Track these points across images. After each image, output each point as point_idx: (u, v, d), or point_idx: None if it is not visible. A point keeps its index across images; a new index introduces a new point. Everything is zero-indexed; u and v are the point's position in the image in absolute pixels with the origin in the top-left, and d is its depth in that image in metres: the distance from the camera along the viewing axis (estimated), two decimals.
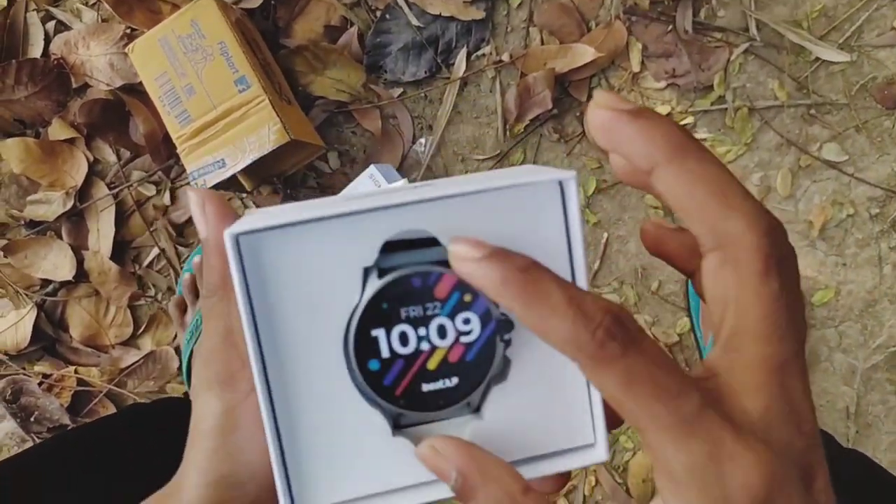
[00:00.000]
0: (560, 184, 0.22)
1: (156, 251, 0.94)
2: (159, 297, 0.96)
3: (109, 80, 0.85)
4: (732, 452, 0.18)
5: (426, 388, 0.23)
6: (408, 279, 0.22)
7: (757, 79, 0.86)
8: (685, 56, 0.84)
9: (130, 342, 0.97)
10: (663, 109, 0.86)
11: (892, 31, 0.84)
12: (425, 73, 0.86)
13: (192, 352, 0.89)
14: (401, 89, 0.88)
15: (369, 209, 0.22)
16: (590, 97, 0.87)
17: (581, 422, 0.24)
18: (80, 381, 0.95)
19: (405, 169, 0.90)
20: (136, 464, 0.62)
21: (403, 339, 0.22)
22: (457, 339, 0.23)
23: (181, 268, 0.94)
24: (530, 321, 0.18)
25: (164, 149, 0.88)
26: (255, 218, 0.22)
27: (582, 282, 0.22)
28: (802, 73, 0.85)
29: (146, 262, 0.94)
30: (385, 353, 0.22)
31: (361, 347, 0.22)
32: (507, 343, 0.23)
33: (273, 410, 0.22)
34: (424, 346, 0.22)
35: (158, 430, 0.70)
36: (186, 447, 0.26)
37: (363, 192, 0.27)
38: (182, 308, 0.91)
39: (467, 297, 0.23)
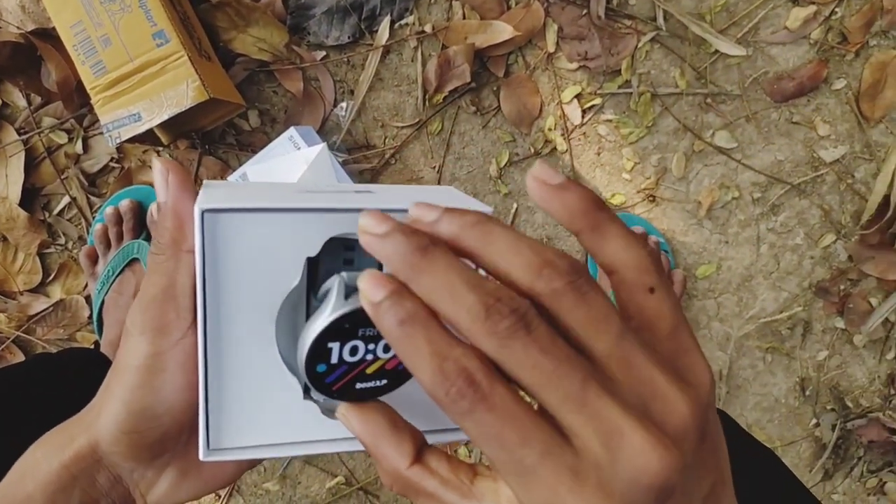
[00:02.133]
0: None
1: (67, 199, 0.92)
2: (70, 245, 0.95)
3: (20, 22, 0.82)
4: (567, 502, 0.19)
5: (359, 385, 0.26)
6: None
7: (661, 66, 0.91)
8: (597, 40, 0.89)
9: (39, 290, 0.96)
10: (574, 90, 0.91)
11: (784, 30, 0.91)
12: (348, 38, 0.88)
13: (102, 301, 0.89)
14: (324, 52, 0.89)
15: (319, 209, 0.25)
16: (507, 73, 0.91)
17: None
18: None
19: (325, 132, 0.91)
20: (39, 415, 0.63)
21: (353, 351, 0.26)
22: None
23: (93, 217, 0.93)
24: (404, 361, 0.20)
25: (77, 96, 0.86)
26: (217, 194, 0.25)
27: None
28: (702, 64, 0.91)
29: (56, 210, 0.93)
30: (334, 360, 0.26)
31: (315, 354, 0.25)
32: None
33: (206, 361, 0.26)
34: (369, 357, 0.26)
35: (63, 382, 0.71)
36: (107, 379, 0.28)
37: (315, 187, 0.30)
38: (93, 258, 0.90)
39: None
